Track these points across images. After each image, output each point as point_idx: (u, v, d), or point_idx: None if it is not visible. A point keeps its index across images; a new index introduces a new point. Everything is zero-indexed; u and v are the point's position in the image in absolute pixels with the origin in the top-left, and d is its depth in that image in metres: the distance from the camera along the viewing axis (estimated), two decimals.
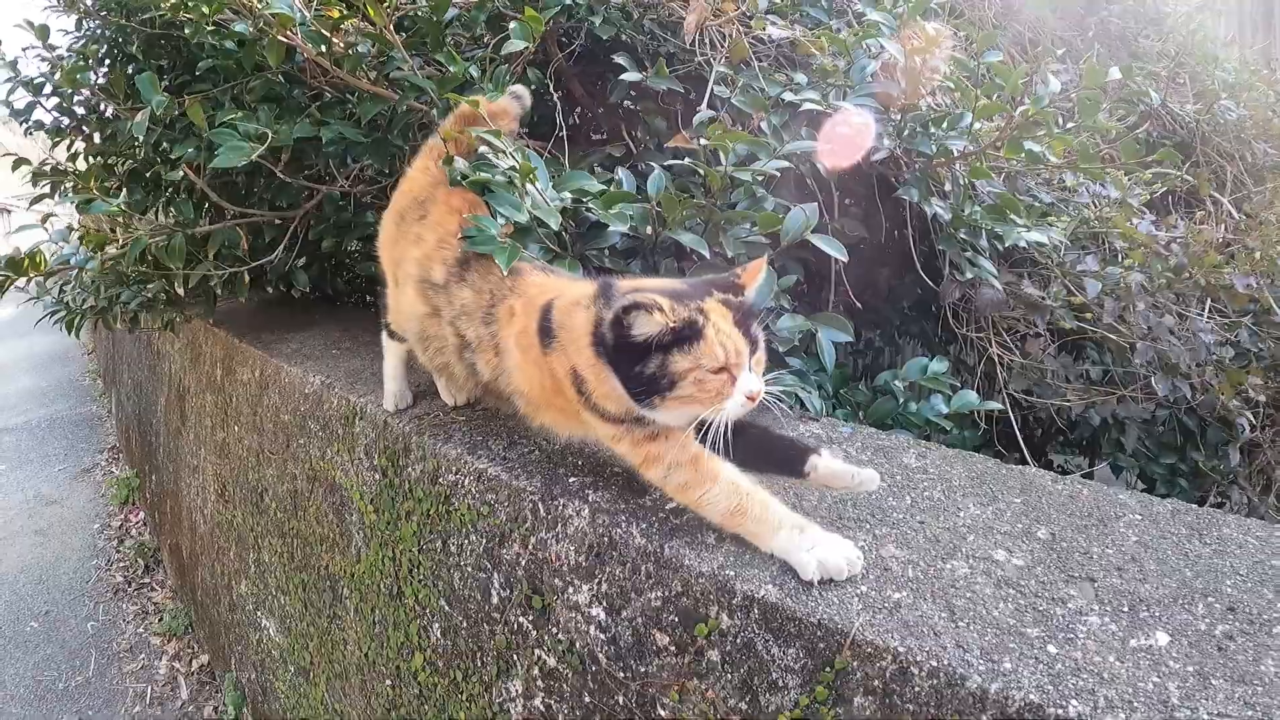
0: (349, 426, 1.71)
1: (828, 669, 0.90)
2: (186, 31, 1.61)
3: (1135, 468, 2.20)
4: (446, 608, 1.42)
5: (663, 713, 1.05)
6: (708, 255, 1.25)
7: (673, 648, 1.03)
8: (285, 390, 2.01)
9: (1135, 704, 0.83)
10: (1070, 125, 1.43)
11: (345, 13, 1.52)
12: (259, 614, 2.32)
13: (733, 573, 0.98)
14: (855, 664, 0.89)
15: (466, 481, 1.35)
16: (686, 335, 0.98)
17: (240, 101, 1.80)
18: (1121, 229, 2.15)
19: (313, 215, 1.96)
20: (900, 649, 0.87)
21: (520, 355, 1.15)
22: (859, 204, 1.80)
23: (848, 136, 1.45)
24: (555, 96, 1.58)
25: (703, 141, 1.33)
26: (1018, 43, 2.36)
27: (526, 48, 1.40)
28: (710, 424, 0.99)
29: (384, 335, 1.56)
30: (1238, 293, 2.07)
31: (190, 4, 1.55)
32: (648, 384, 0.99)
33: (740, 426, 1.04)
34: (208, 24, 1.60)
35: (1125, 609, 0.96)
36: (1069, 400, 2.20)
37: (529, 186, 1.21)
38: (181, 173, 1.80)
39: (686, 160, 1.42)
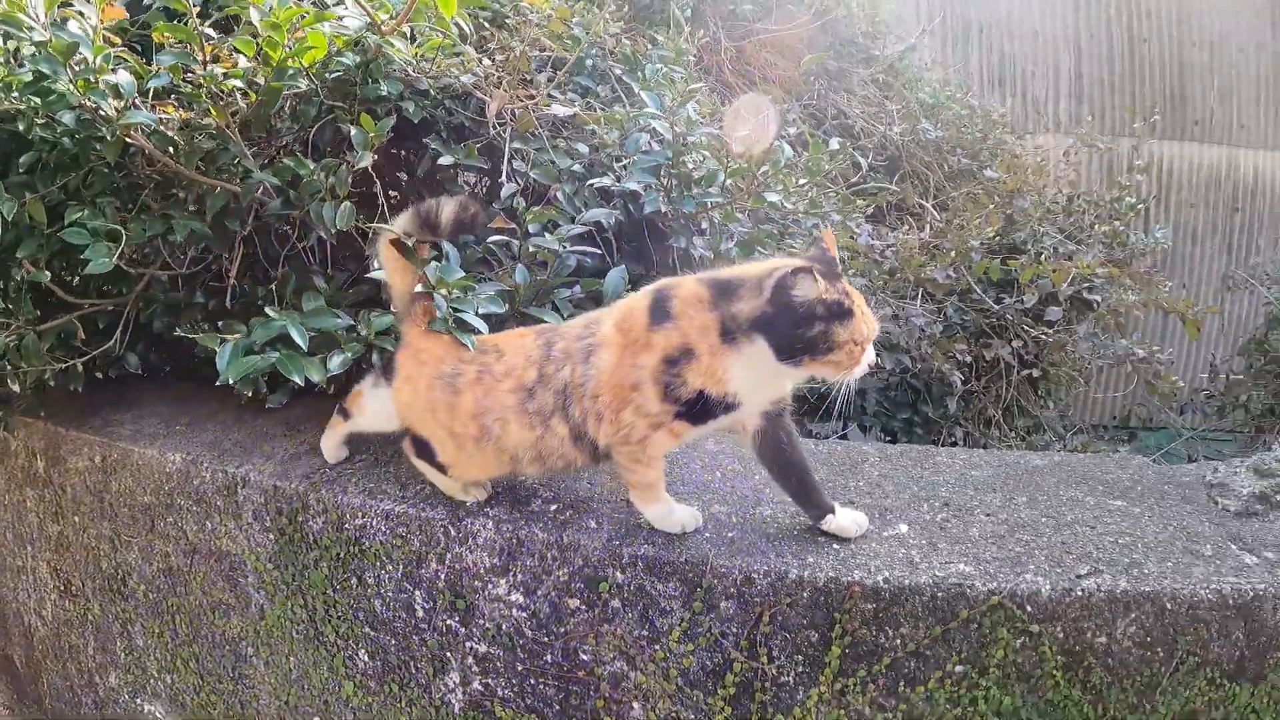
0: (230, 496, 1.81)
1: (699, 589, 1.28)
2: (20, 126, 1.58)
3: (879, 424, 2.84)
4: (371, 632, 1.62)
5: (585, 656, 1.38)
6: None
7: (583, 607, 1.36)
8: (140, 472, 2.02)
9: (893, 565, 1.30)
10: (804, 182, 1.91)
11: (190, 114, 1.60)
12: (139, 701, 2.29)
13: (619, 542, 1.33)
14: (716, 581, 1.28)
15: (374, 522, 1.56)
16: (841, 311, 1.20)
17: (73, 194, 1.77)
18: (844, 243, 2.75)
19: (142, 297, 1.97)
20: (743, 565, 1.27)
21: (615, 334, 1.29)
22: (633, 245, 2.07)
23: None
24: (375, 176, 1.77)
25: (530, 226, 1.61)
26: (749, 81, 2.85)
27: (374, 158, 1.59)
28: (839, 384, 1.25)
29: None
30: (939, 283, 2.73)
31: (26, 99, 1.52)
32: (806, 344, 1.20)
33: (791, 452, 1.34)
34: (39, 118, 1.58)
35: (878, 515, 1.45)
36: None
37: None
38: (26, 274, 1.74)
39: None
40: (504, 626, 1.44)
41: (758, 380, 1.26)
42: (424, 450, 1.47)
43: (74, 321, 1.87)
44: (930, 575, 1.28)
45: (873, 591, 1.26)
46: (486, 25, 1.98)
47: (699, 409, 1.26)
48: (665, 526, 1.35)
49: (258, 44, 1.66)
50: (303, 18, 1.61)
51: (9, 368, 1.85)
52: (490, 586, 1.44)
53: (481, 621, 1.47)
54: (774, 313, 1.20)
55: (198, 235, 1.72)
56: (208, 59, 1.63)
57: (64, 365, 1.91)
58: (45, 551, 2.42)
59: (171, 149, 1.61)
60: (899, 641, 1.28)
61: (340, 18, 1.63)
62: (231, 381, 1.48)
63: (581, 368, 1.30)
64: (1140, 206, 3.46)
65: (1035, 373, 2.64)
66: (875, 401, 2.62)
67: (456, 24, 1.88)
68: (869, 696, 1.30)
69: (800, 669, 1.30)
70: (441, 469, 1.47)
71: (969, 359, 2.54)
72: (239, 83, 1.62)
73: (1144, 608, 1.31)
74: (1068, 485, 1.58)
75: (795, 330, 1.19)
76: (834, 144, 2.01)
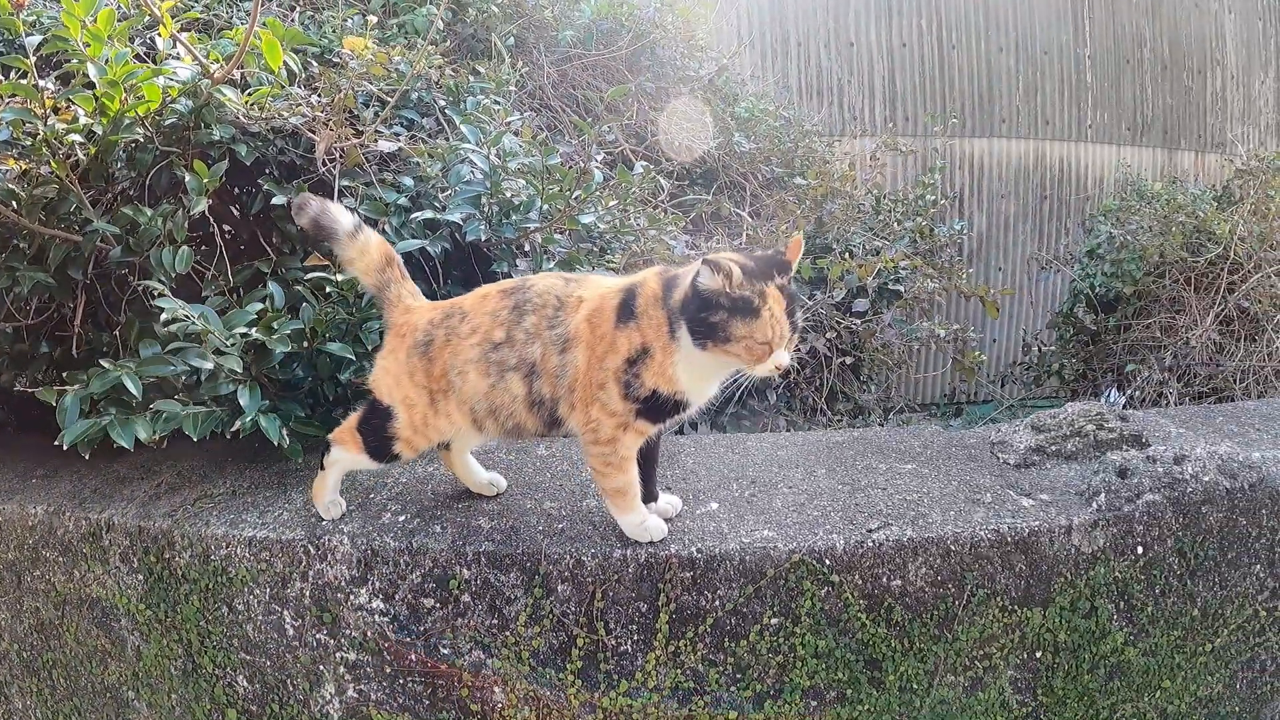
0: (96, 542, 1.83)
1: (537, 576, 1.43)
2: None
3: (706, 421, 3.01)
4: (247, 657, 1.69)
5: (445, 650, 1.50)
6: (353, 359, 1.68)
7: (438, 605, 1.48)
8: (1, 529, 2.00)
9: (705, 537, 1.48)
10: (614, 203, 2.08)
11: (30, 165, 1.63)
12: None
13: (462, 541, 1.46)
14: (551, 568, 1.43)
15: (239, 550, 1.63)
16: (747, 309, 1.26)
17: None
18: (660, 254, 2.95)
19: None
20: (572, 550, 1.43)
21: (587, 329, 1.37)
22: (460, 271, 2.19)
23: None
24: (210, 218, 1.83)
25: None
26: (573, 105, 3.01)
27: (209, 204, 1.67)
28: (745, 376, 1.33)
29: (363, 455, 1.56)
30: None
31: None
32: (708, 330, 1.27)
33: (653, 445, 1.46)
34: None
35: (691, 496, 1.63)
36: None
37: (209, 335, 1.52)
38: None
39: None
40: (369, 633, 1.55)
41: (695, 374, 1.36)
42: (377, 418, 1.52)
43: None
44: (738, 542, 1.47)
45: (689, 561, 1.44)
46: (315, 62, 2.07)
47: (655, 405, 1.36)
48: (636, 535, 1.46)
49: (96, 98, 1.71)
50: (138, 73, 1.68)
51: None
52: (352, 597, 1.54)
53: (348, 631, 1.57)
54: (690, 298, 1.31)
55: (42, 286, 1.75)
56: (47, 112, 1.68)
57: None
58: None
59: (15, 202, 1.64)
60: (718, 603, 1.46)
61: (174, 71, 1.70)
62: (67, 445, 1.55)
63: (557, 358, 1.39)
64: (942, 202, 3.82)
65: (849, 360, 2.89)
66: None
67: (286, 64, 1.97)
68: (699, 654, 1.48)
69: (636, 637, 1.46)
70: (387, 441, 1.51)
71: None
72: (78, 137, 1.67)
73: (930, 551, 1.53)
74: (864, 456, 1.81)
75: (699, 314, 1.28)
76: (639, 168, 2.20)
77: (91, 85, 1.76)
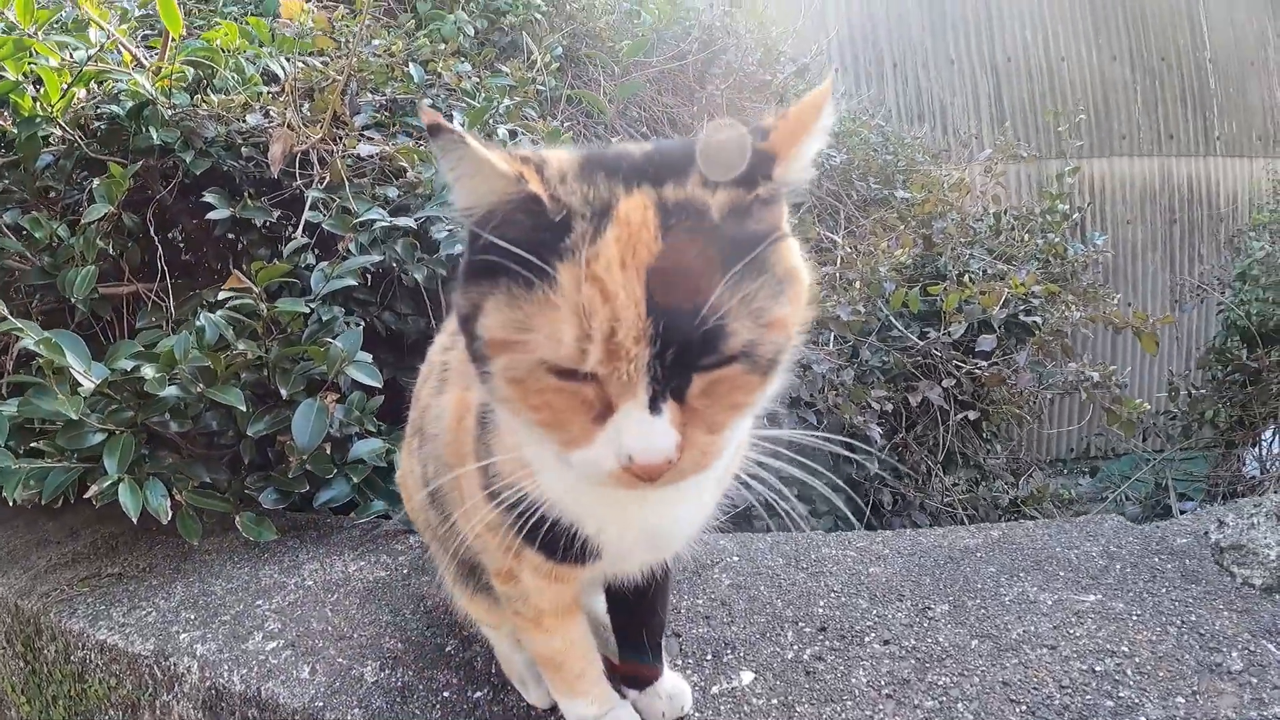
0: None
1: None
2: None
3: (791, 493, 2.41)
4: None
5: None
6: (243, 408, 1.29)
7: None
8: None
9: None
10: None
11: None
12: None
13: (324, 702, 1.01)
14: None
15: (93, 656, 1.27)
16: (545, 248, 0.50)
17: None
18: None
19: None
20: None
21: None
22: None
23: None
24: (156, 237, 1.55)
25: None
26: (628, 120, 2.62)
27: (109, 210, 1.38)
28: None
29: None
30: (845, 321, 2.33)
31: None
32: (469, 328, 0.55)
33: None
34: None
35: (709, 657, 1.02)
36: None
37: (64, 369, 1.19)
38: None
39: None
40: None
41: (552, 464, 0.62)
42: None
43: None
44: None
45: None
46: (304, 64, 1.77)
47: (536, 525, 0.67)
48: None
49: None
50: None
51: None
52: None
53: None
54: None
55: None
56: None
57: None
58: None
59: None
60: None
61: (72, 48, 1.42)
62: None
63: (435, 400, 0.78)
64: (1075, 216, 3.19)
65: (973, 414, 2.23)
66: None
67: (266, 67, 1.69)
68: None
69: None
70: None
71: (890, 407, 2.13)
72: None
73: None
74: (1013, 575, 1.16)
75: (466, 279, 0.58)
76: None
77: None
